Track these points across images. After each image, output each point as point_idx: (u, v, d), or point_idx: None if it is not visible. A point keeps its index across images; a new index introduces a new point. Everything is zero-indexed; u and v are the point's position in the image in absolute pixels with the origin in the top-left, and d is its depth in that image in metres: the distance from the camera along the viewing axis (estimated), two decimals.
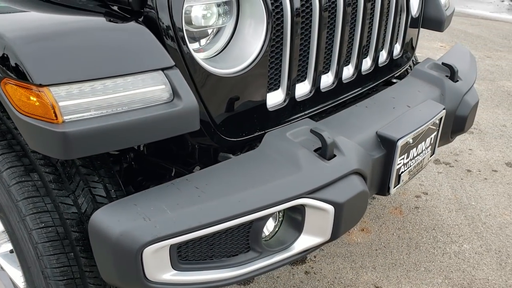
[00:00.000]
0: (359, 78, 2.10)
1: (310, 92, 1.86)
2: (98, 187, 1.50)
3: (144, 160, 1.94)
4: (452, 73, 2.27)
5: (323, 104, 1.94)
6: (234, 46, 1.61)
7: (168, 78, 1.34)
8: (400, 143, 1.76)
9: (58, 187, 1.43)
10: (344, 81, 2.01)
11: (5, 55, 1.19)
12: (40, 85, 1.17)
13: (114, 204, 1.29)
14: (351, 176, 1.57)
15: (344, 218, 1.53)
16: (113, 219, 1.24)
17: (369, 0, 1.96)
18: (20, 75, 1.18)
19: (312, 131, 1.58)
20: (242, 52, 1.61)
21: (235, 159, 1.51)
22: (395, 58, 2.33)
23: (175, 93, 1.35)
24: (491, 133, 4.15)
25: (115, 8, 1.42)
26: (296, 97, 1.80)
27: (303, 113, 1.86)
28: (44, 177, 1.43)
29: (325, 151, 1.54)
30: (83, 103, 1.21)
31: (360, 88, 2.13)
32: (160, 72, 1.33)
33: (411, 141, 1.83)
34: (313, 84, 1.85)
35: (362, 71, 2.10)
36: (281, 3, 1.62)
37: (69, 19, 1.34)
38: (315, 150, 1.57)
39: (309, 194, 1.45)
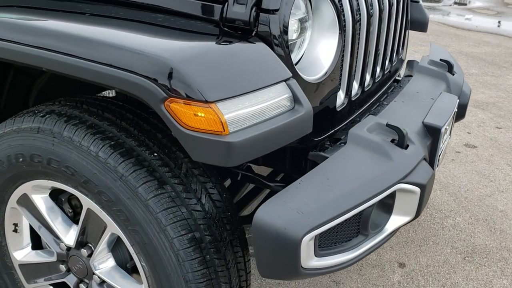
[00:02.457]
0: (383, 78, 2.36)
1: (358, 91, 2.08)
2: (214, 193, 1.62)
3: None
4: (450, 68, 2.61)
5: (366, 102, 2.18)
6: (310, 55, 1.80)
7: (290, 87, 1.50)
8: (443, 130, 2.04)
9: (188, 196, 1.53)
10: (376, 81, 2.26)
11: (171, 77, 1.28)
12: (207, 102, 1.29)
13: (269, 203, 1.42)
14: (422, 161, 1.81)
15: (425, 197, 1.77)
16: (274, 215, 1.37)
17: (391, 8, 2.23)
18: (188, 94, 1.28)
19: (388, 125, 1.80)
20: (317, 60, 1.80)
21: (336, 156, 1.68)
22: (400, 58, 2.63)
23: (296, 101, 1.51)
24: None
25: (226, 29, 1.54)
26: (351, 97, 2.02)
27: (354, 112, 2.08)
28: (175, 188, 1.52)
29: (402, 142, 1.77)
30: (239, 115, 1.35)
31: (384, 87, 2.40)
32: (284, 83, 1.49)
33: (447, 127, 2.12)
34: (360, 85, 2.08)
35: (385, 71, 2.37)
36: (344, 15, 1.83)
37: (213, 43, 1.45)
38: (391, 142, 1.80)
39: (402, 179, 1.67)
